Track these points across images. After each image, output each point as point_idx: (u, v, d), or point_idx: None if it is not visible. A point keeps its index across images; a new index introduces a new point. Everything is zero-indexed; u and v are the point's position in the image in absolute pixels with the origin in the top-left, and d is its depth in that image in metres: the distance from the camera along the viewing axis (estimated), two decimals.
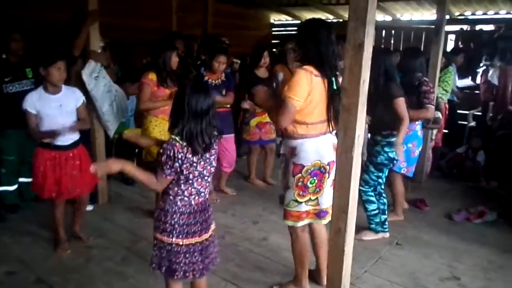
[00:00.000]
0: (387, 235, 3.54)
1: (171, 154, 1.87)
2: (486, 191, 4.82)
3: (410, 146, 3.72)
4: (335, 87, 2.36)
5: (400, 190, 3.88)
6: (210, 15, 7.22)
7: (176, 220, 1.99)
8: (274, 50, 6.98)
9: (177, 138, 1.90)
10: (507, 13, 6.83)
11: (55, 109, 2.94)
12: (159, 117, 3.51)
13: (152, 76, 3.46)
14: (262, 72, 4.55)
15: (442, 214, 4.11)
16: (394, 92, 3.17)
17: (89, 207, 3.86)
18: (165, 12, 6.71)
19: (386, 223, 3.55)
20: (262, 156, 4.88)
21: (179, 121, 1.92)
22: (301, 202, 2.44)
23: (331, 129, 2.43)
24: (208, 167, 2.02)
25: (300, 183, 2.42)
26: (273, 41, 8.93)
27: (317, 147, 2.39)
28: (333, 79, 2.37)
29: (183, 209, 2.00)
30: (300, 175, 2.41)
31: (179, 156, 1.88)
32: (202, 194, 2.05)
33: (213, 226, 2.17)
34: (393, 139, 3.25)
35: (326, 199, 2.46)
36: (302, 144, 2.39)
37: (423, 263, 3.16)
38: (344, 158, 2.17)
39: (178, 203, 1.99)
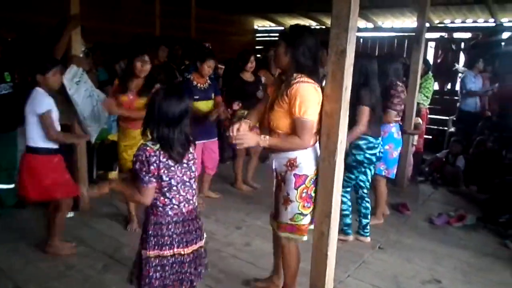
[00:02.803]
0: (367, 239, 3.57)
1: (144, 159, 1.82)
2: (466, 195, 4.91)
3: (386, 148, 3.76)
4: None
5: (383, 193, 3.93)
6: (194, 20, 7.22)
7: (173, 230, 1.93)
8: (259, 55, 7.03)
9: (148, 143, 1.86)
10: (485, 21, 7.01)
11: (57, 112, 3.03)
12: (128, 128, 3.48)
13: (116, 81, 3.49)
14: (247, 76, 4.62)
15: (423, 218, 4.17)
16: (362, 98, 3.21)
17: (70, 214, 3.80)
18: (148, 17, 6.70)
19: (368, 227, 3.59)
20: (245, 159, 4.89)
21: (152, 127, 1.88)
22: (306, 214, 2.34)
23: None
24: (188, 173, 1.96)
25: (304, 194, 2.31)
26: (257, 47, 8.99)
27: (316, 155, 2.32)
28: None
29: (176, 218, 1.94)
30: (304, 185, 2.30)
31: (152, 160, 1.83)
32: (191, 201, 2.00)
33: (201, 242, 2.08)
34: (359, 142, 3.30)
35: None
36: (303, 154, 2.28)
37: (405, 266, 3.20)
38: (327, 163, 2.20)
39: (170, 212, 1.92)
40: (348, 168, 3.36)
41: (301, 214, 2.32)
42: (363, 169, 3.44)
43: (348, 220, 3.53)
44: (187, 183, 1.97)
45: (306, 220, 2.35)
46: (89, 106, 3.73)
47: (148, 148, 1.84)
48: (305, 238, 2.39)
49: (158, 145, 1.85)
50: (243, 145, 2.25)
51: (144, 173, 1.83)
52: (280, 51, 2.29)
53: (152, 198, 1.90)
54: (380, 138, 3.45)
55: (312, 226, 2.41)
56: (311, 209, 2.34)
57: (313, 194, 2.32)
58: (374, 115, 3.30)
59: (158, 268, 1.93)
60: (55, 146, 3.04)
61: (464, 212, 4.14)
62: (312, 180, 2.31)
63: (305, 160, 2.28)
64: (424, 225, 4.03)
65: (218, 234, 3.59)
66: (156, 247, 1.92)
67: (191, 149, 1.97)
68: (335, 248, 2.32)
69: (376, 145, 3.38)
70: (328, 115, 2.15)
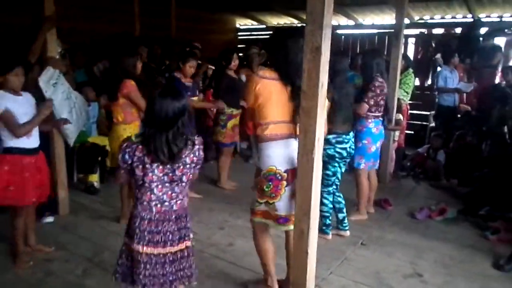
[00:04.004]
0: (347, 233, 3.60)
1: (123, 147, 1.92)
2: (447, 189, 4.97)
3: (365, 143, 3.80)
4: None
5: (365, 188, 3.94)
6: (174, 19, 7.16)
7: (137, 224, 1.95)
8: (241, 54, 7.00)
9: (133, 136, 1.94)
10: (463, 17, 7.11)
11: (28, 108, 2.94)
12: (132, 124, 3.50)
13: (134, 82, 3.49)
14: (231, 74, 4.64)
15: (406, 213, 4.20)
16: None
17: (49, 219, 3.75)
18: (128, 17, 6.60)
19: (345, 221, 3.61)
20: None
21: (145, 124, 1.95)
22: (261, 203, 2.48)
23: (296, 131, 2.38)
24: (170, 175, 1.94)
25: (258, 186, 2.47)
26: (239, 46, 8.96)
27: (273, 152, 2.38)
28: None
29: (143, 214, 1.95)
30: (259, 178, 2.46)
31: (127, 150, 1.90)
32: (166, 203, 1.97)
33: (187, 242, 2.06)
34: (329, 136, 3.30)
35: (284, 206, 2.43)
36: (262, 148, 2.42)
37: (387, 261, 3.22)
38: (305, 161, 2.19)
39: (139, 207, 1.96)
40: (322, 165, 3.37)
41: (257, 201, 2.50)
42: (336, 164, 3.43)
43: (327, 221, 3.52)
44: (167, 184, 1.96)
45: (261, 207, 2.50)
46: (67, 108, 3.67)
47: (129, 140, 1.93)
48: (256, 220, 2.55)
49: (139, 140, 1.90)
50: None
51: (120, 157, 1.93)
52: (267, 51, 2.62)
53: (122, 181, 2.11)
54: (350, 134, 3.44)
55: (283, 227, 2.51)
56: (264, 200, 2.46)
57: (265, 189, 2.41)
58: (339, 111, 3.27)
59: (124, 256, 2.05)
60: (28, 146, 2.92)
61: (445, 206, 4.18)
62: (265, 175, 2.40)
63: (263, 155, 2.42)
64: (406, 220, 4.06)
65: (201, 235, 3.56)
66: (126, 237, 2.03)
67: (187, 152, 1.94)
68: (316, 246, 2.31)
69: (346, 140, 3.38)
70: (305, 112, 2.14)
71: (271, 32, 8.91)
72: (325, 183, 3.39)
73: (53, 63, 3.62)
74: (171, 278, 2.01)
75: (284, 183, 2.40)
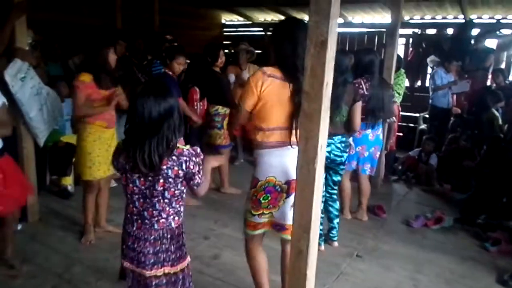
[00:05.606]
0: (335, 244, 3.39)
1: (113, 152, 1.77)
2: (440, 194, 4.80)
3: (359, 149, 3.69)
4: None
5: (346, 192, 3.84)
6: (157, 13, 6.84)
7: (126, 239, 1.77)
8: (226, 51, 6.69)
9: (120, 142, 1.75)
10: (454, 17, 6.97)
11: None
12: (95, 124, 3.11)
13: (85, 77, 3.03)
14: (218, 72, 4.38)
15: (400, 220, 4.00)
16: None
17: (17, 226, 3.40)
18: (108, 9, 6.23)
19: (333, 231, 3.40)
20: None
21: (127, 128, 1.68)
22: (254, 215, 2.26)
23: (295, 138, 2.09)
24: (151, 189, 1.65)
25: (254, 197, 2.22)
26: (225, 42, 8.67)
27: (274, 161, 2.15)
28: None
29: (127, 227, 1.76)
30: (255, 189, 2.21)
31: (115, 156, 1.74)
32: (147, 221, 1.69)
33: (165, 269, 1.74)
34: None
35: (282, 214, 2.24)
36: (260, 156, 2.19)
37: (385, 276, 3.00)
38: (305, 171, 1.92)
39: (125, 219, 1.78)
40: None
41: (250, 212, 2.26)
42: None
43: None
44: (148, 200, 1.68)
45: (255, 219, 2.27)
46: (36, 105, 3.35)
47: (118, 146, 1.78)
48: (250, 232, 2.31)
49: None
50: None
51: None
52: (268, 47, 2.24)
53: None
54: (335, 138, 3.14)
55: (282, 236, 2.32)
56: (260, 212, 2.24)
57: (262, 201, 2.20)
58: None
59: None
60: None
61: (441, 214, 3.99)
62: (263, 187, 2.18)
63: (260, 164, 2.19)
64: (402, 229, 3.85)
65: None
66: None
67: (169, 163, 1.62)
68: (315, 267, 2.05)
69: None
70: (307, 116, 1.87)
71: (261, 27, 8.73)
72: None
73: (21, 55, 3.28)
74: None
75: (284, 195, 2.19)
